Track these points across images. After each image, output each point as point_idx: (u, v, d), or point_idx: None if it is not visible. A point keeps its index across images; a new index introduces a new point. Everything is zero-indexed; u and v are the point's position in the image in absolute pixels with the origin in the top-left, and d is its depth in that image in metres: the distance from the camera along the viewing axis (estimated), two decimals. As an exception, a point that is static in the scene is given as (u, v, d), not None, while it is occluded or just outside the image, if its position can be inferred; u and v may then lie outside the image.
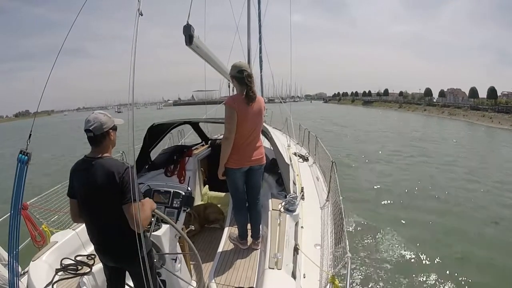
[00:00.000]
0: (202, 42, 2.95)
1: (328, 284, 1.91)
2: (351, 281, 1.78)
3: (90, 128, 1.65)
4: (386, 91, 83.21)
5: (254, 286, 2.07)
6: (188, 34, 2.57)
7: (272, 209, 2.68)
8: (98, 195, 1.64)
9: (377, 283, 4.31)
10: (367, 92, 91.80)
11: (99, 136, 1.67)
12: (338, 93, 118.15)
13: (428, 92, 63.09)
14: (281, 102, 7.14)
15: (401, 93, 76.86)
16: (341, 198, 2.99)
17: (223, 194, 4.05)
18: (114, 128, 1.75)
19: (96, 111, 1.76)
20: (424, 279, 4.42)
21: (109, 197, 1.62)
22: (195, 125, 4.79)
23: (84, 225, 1.80)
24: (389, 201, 7.64)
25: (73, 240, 2.58)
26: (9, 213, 1.69)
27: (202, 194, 4.12)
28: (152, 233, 2.03)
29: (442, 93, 60.55)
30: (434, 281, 4.37)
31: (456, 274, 4.51)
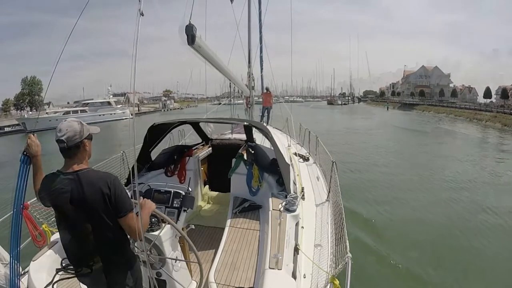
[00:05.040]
0: (204, 42, 2.95)
1: (328, 284, 1.92)
2: (351, 281, 1.79)
3: (62, 138, 1.47)
4: (454, 91, 60.98)
5: (254, 286, 2.07)
6: (191, 34, 2.58)
7: (273, 209, 2.68)
8: (83, 216, 1.48)
9: (378, 283, 4.30)
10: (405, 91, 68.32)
11: (72, 147, 1.50)
12: (345, 93, 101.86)
13: (487, 92, 48.85)
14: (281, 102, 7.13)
15: (453, 93, 58.11)
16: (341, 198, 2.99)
17: (223, 194, 4.05)
18: (89, 137, 1.58)
19: (69, 118, 1.56)
20: (425, 279, 4.39)
21: (97, 218, 1.48)
22: (195, 125, 4.79)
23: None
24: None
25: None
26: (10, 213, 1.70)
27: (202, 194, 4.12)
28: (152, 233, 2.03)
29: (504, 93, 43.08)
30: (435, 281, 4.36)
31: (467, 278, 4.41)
